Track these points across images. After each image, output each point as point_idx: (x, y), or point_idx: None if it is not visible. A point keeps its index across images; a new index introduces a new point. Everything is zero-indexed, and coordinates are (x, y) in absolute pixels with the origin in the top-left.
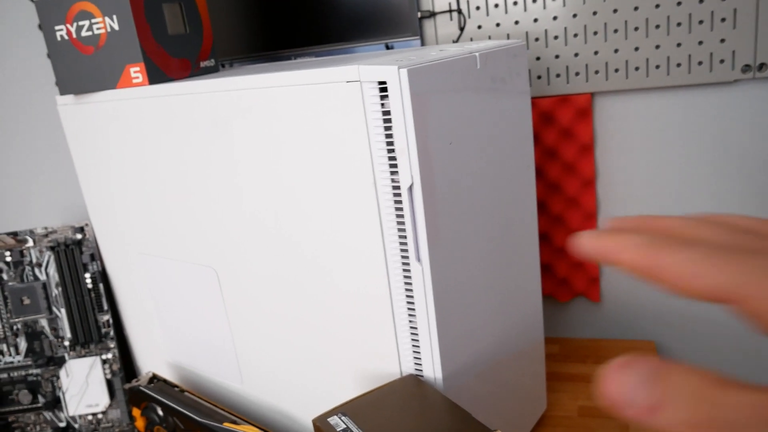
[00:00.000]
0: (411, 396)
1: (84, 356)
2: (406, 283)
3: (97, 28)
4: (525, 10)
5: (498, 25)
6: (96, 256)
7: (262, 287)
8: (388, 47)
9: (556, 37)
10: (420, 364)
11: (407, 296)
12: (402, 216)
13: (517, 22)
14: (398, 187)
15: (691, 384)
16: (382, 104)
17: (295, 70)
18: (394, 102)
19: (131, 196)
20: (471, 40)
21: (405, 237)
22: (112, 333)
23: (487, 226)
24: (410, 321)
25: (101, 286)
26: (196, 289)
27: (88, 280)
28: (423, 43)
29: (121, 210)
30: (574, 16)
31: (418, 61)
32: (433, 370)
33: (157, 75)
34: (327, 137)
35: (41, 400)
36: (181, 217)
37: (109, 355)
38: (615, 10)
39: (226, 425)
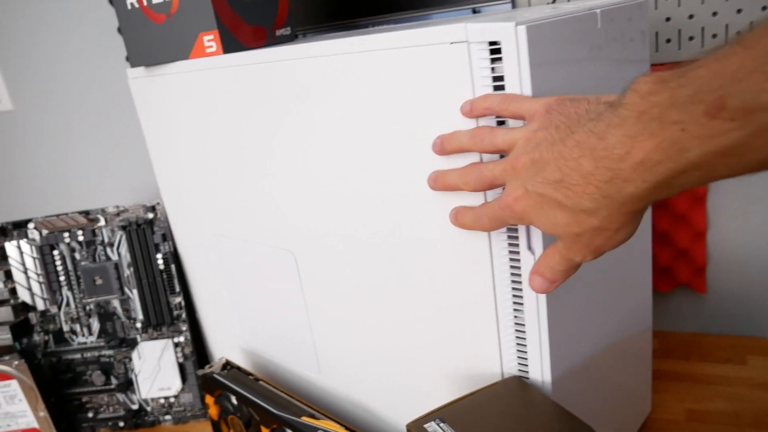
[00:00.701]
0: (516, 400)
1: (156, 338)
2: (513, 275)
3: None
4: None
5: None
6: (168, 236)
7: (344, 274)
8: (474, 11)
9: None
10: (525, 365)
11: (514, 288)
12: None
13: None
14: None
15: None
16: (493, 69)
17: (388, 32)
18: (509, 66)
19: (204, 174)
20: (568, 1)
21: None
22: (184, 316)
23: None
24: (515, 317)
25: (173, 267)
26: (272, 274)
27: (160, 261)
28: (514, 7)
29: (193, 189)
30: None
31: (534, 17)
32: (541, 371)
33: (231, 43)
34: (426, 109)
35: (114, 381)
36: (258, 196)
37: (181, 339)
38: None
39: (305, 419)
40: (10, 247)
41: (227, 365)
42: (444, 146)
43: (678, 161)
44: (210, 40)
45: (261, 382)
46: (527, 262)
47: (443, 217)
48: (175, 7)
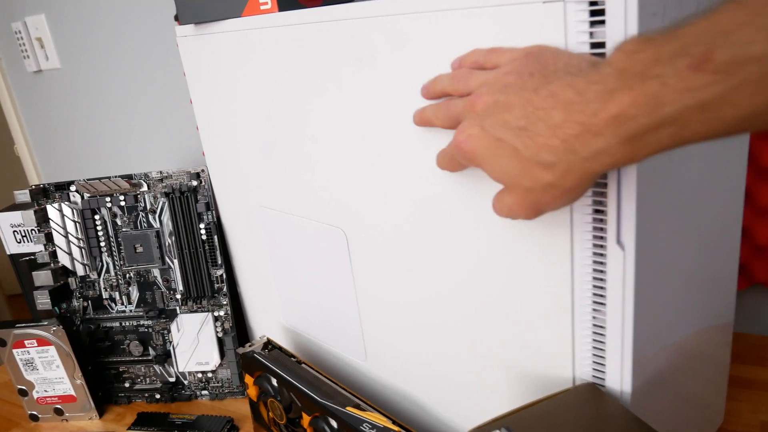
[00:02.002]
0: (590, 411)
1: (196, 311)
2: (597, 270)
3: None
4: None
5: None
6: (211, 205)
7: (399, 256)
8: None
9: None
10: (602, 371)
11: (595, 287)
12: (603, 185)
13: None
14: None
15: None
16: (592, 33)
17: None
18: (613, 30)
19: (254, 142)
20: None
21: (602, 212)
22: (225, 289)
23: (695, 204)
24: (594, 317)
25: (215, 238)
26: (320, 251)
27: (203, 231)
28: None
29: (241, 157)
30: None
31: None
32: (620, 379)
33: (287, 1)
34: None
35: (152, 352)
36: (310, 169)
37: (221, 313)
38: None
39: (350, 410)
40: (52, 209)
41: (268, 344)
42: (428, 89)
43: (652, 116)
44: None
45: (304, 365)
46: (615, 258)
47: None
48: None
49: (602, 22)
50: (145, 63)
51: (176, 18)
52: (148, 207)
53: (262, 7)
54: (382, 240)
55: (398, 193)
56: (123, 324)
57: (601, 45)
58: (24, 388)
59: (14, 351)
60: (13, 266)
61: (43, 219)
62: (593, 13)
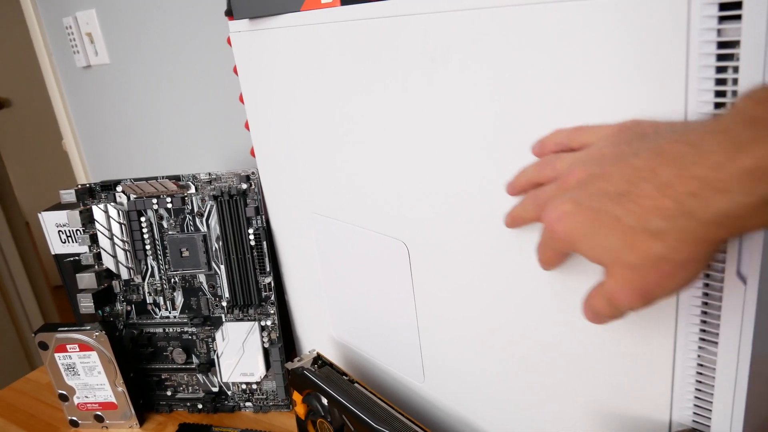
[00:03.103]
0: None
1: (242, 320)
2: (706, 305)
3: None
4: None
5: None
6: (261, 210)
7: (468, 275)
8: None
9: None
10: (707, 417)
11: (704, 321)
12: None
13: None
14: None
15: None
16: (719, 31)
17: None
18: (751, 28)
19: (311, 145)
20: None
21: None
22: (272, 298)
23: None
24: (699, 356)
25: (265, 244)
26: (378, 264)
27: (251, 237)
28: None
29: (296, 160)
30: None
31: None
32: (729, 427)
33: None
34: (614, 82)
35: (195, 361)
36: (372, 176)
37: (269, 322)
38: None
39: None
40: (97, 210)
41: (318, 360)
42: (513, 184)
43: None
44: None
45: (356, 385)
46: (734, 291)
47: None
48: None
49: (737, 17)
50: (193, 60)
51: (227, 13)
52: (196, 210)
53: (323, 1)
54: (447, 256)
55: (468, 206)
56: (166, 330)
57: (732, 44)
58: (65, 393)
59: (56, 355)
60: (57, 266)
61: (88, 220)
62: (723, 7)
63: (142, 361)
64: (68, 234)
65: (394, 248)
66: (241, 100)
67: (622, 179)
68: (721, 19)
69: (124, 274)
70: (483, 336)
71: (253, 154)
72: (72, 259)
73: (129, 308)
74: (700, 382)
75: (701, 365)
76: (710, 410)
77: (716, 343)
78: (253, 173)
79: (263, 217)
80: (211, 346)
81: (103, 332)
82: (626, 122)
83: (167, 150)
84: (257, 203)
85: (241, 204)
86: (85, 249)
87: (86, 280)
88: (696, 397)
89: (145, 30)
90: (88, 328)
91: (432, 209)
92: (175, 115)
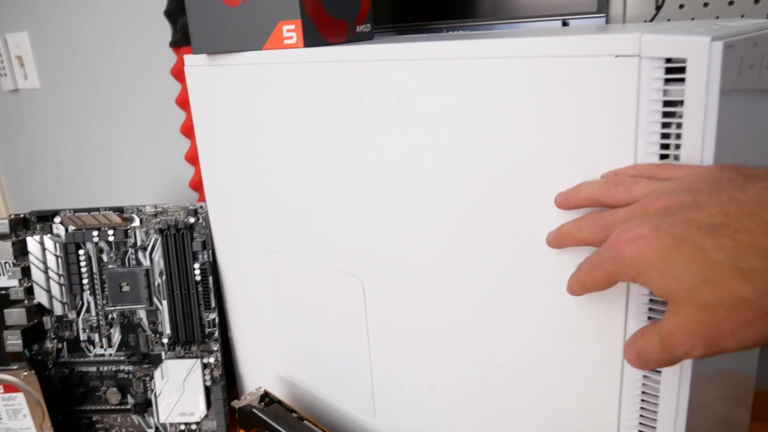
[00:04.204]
0: None
1: (183, 357)
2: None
3: None
4: None
5: (706, 5)
6: (208, 244)
7: (423, 311)
8: (564, 24)
9: None
10: None
11: None
12: None
13: (731, 3)
14: None
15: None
16: (665, 91)
17: (527, 37)
18: (693, 90)
19: (263, 181)
20: (668, 20)
21: None
22: (216, 334)
23: None
24: (644, 384)
25: (211, 279)
26: (332, 300)
27: (197, 272)
28: (607, 23)
29: (248, 196)
30: None
31: (722, 33)
32: None
33: (313, 36)
34: (567, 131)
35: (131, 401)
36: (327, 213)
37: (212, 359)
38: None
39: None
40: (32, 242)
41: (265, 397)
42: (568, 196)
43: None
44: (290, 30)
45: (306, 422)
46: None
47: (573, 263)
48: None
49: (680, 80)
50: (130, 88)
51: (172, 45)
52: (139, 243)
53: (286, 41)
54: (402, 292)
55: (426, 246)
56: (100, 369)
57: (676, 104)
58: None
59: None
60: None
61: (20, 252)
62: (669, 71)
63: (73, 402)
64: None
65: (348, 284)
66: (182, 131)
67: (719, 211)
68: (667, 81)
69: (58, 310)
70: (435, 369)
71: (191, 186)
72: (0, 293)
73: (60, 346)
74: (647, 408)
75: (648, 394)
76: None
77: (659, 371)
78: (201, 207)
79: (210, 251)
80: (148, 385)
81: (33, 371)
82: (726, 164)
83: (100, 180)
84: (204, 237)
85: (187, 238)
86: (14, 283)
87: (15, 316)
88: (640, 423)
89: (80, 56)
90: (15, 367)
91: (387, 246)
92: (110, 145)
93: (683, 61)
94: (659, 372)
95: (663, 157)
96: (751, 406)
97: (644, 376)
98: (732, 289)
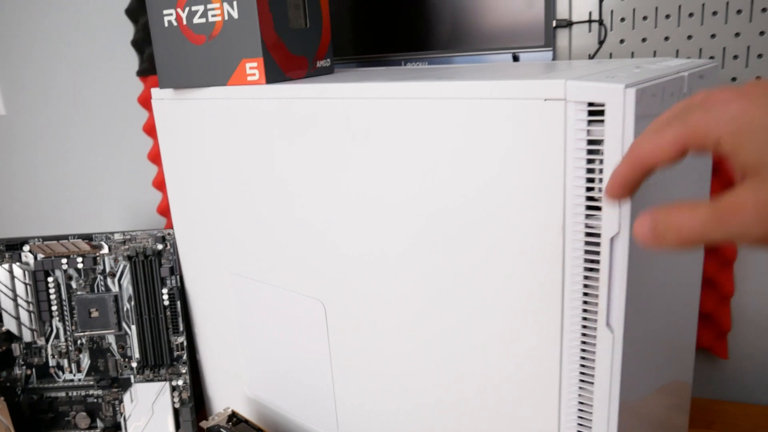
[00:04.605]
0: None
1: (152, 380)
2: (584, 351)
3: (213, 15)
4: (678, 25)
5: (644, 40)
6: (176, 269)
7: (382, 333)
8: (515, 57)
9: (711, 57)
10: None
11: (582, 367)
12: (594, 271)
13: (667, 38)
14: (596, 235)
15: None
16: (589, 131)
17: (473, 80)
18: (612, 130)
19: (229, 208)
20: (610, 55)
21: (594, 297)
22: (185, 357)
23: (671, 279)
24: (580, 395)
25: (179, 304)
26: (296, 322)
27: (165, 297)
28: (554, 56)
29: (214, 222)
30: (737, 35)
31: (637, 79)
32: None
33: (275, 73)
34: (503, 167)
35: (100, 425)
36: (290, 239)
37: (180, 382)
38: None
39: None
40: (1, 270)
41: (233, 417)
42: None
43: None
44: (253, 68)
45: None
46: (604, 339)
47: (511, 289)
48: (218, 29)
49: (600, 121)
50: (98, 115)
51: (139, 74)
52: (108, 270)
53: (249, 78)
54: (364, 316)
55: (382, 271)
56: (70, 394)
57: (598, 142)
58: None
59: None
60: None
61: None
62: (592, 113)
63: (42, 428)
64: None
65: (311, 307)
66: (149, 157)
67: None
68: (590, 122)
69: (27, 337)
70: (395, 390)
71: (159, 211)
72: None
73: (29, 372)
74: (583, 420)
75: (583, 406)
76: None
77: (593, 383)
78: (169, 234)
79: (178, 277)
80: (118, 408)
81: (2, 398)
82: None
83: (68, 206)
84: (172, 263)
85: (155, 264)
86: None
87: None
88: (578, 431)
89: (48, 82)
90: None
91: (347, 271)
92: (77, 170)
93: (602, 105)
94: (592, 383)
95: (589, 189)
96: (688, 411)
97: (580, 387)
98: None
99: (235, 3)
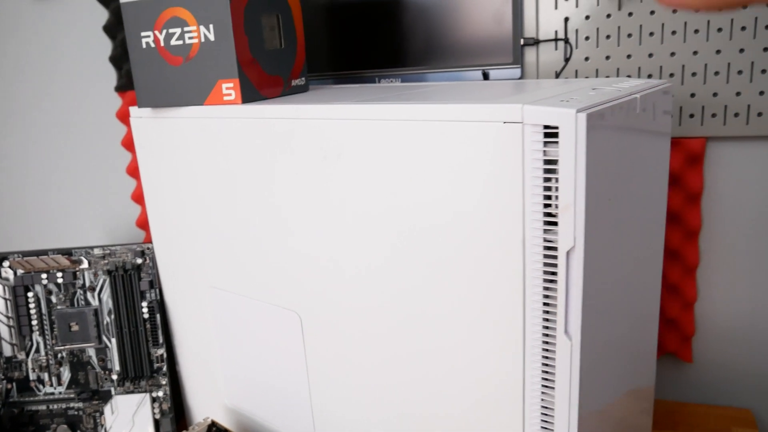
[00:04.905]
0: None
1: (132, 392)
2: (545, 357)
3: (190, 38)
4: (639, 43)
5: (608, 58)
6: (155, 283)
7: (356, 343)
8: (484, 74)
9: (671, 75)
10: None
11: (544, 373)
12: (552, 282)
13: (629, 56)
14: (554, 249)
15: None
16: (545, 152)
17: (437, 104)
18: (565, 150)
19: (205, 223)
20: (576, 72)
21: (553, 306)
22: (165, 369)
23: (629, 288)
24: (543, 399)
25: (158, 316)
26: (272, 333)
27: (145, 310)
28: (522, 73)
29: (191, 237)
30: (695, 53)
31: (590, 102)
32: None
33: (250, 93)
34: (466, 185)
35: None
36: (267, 252)
37: (160, 393)
38: (741, 50)
39: None
40: None
41: (213, 427)
42: None
43: None
44: (229, 88)
45: None
46: (563, 346)
47: (475, 300)
48: (195, 51)
49: (555, 142)
50: (77, 129)
51: (117, 89)
52: (88, 284)
53: (225, 98)
54: (338, 327)
55: (354, 283)
56: (50, 407)
57: (553, 162)
58: None
59: None
60: None
61: None
62: (547, 135)
63: None
64: None
65: (287, 319)
66: (128, 171)
67: None
68: (546, 143)
69: (7, 351)
70: (370, 402)
71: (138, 224)
72: None
73: (10, 386)
74: (545, 421)
75: (545, 411)
76: None
77: (553, 387)
78: (148, 248)
79: (157, 290)
80: (98, 420)
81: None
82: None
83: (49, 219)
84: (152, 277)
85: (135, 278)
86: None
87: None
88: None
89: (25, 96)
90: None
91: (321, 283)
92: (58, 184)
93: (556, 127)
94: (554, 388)
95: (546, 206)
96: (652, 412)
97: (543, 393)
98: None
99: (211, 26)
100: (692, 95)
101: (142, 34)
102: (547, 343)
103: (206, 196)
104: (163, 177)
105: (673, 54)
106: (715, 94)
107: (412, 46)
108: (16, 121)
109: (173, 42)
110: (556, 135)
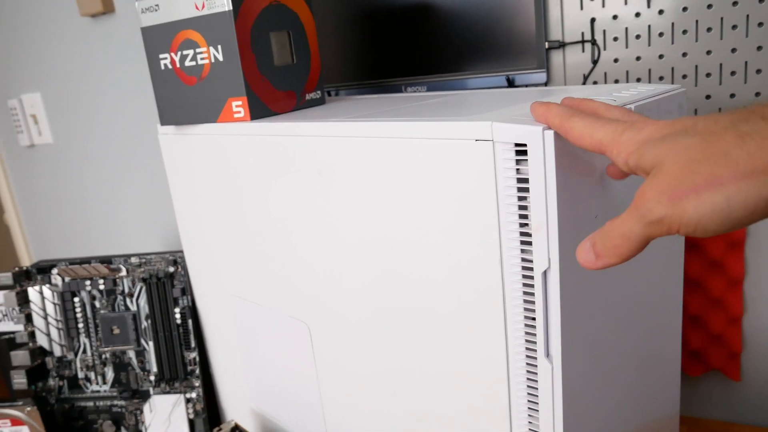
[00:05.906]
0: None
1: (168, 392)
2: (529, 380)
3: (201, 59)
4: (672, 42)
5: (638, 59)
6: (187, 290)
7: (358, 352)
8: (509, 80)
9: (708, 75)
10: None
11: (529, 394)
12: (531, 303)
13: (661, 56)
14: (530, 269)
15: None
16: (518, 169)
17: (411, 121)
18: (534, 168)
19: (226, 234)
20: (605, 74)
21: (533, 328)
22: (197, 372)
23: (629, 307)
24: (530, 422)
25: (190, 322)
26: (285, 342)
27: (178, 315)
28: (549, 77)
29: (215, 247)
30: (733, 50)
31: None
32: None
33: (259, 110)
34: (445, 202)
35: None
36: (276, 264)
37: (194, 395)
38: None
39: None
40: (33, 291)
41: (236, 429)
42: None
43: None
44: (238, 106)
45: None
46: (544, 369)
47: (459, 318)
48: (207, 71)
49: (525, 160)
50: (132, 144)
51: None
52: (126, 291)
53: (235, 115)
54: (344, 336)
55: (357, 295)
56: (97, 404)
57: (524, 180)
58: None
59: None
60: None
61: (24, 300)
62: (519, 152)
63: None
64: (4, 313)
65: (297, 329)
66: None
67: (702, 141)
68: (518, 161)
69: (57, 351)
70: (373, 408)
71: None
72: (7, 336)
73: (61, 383)
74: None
75: (531, 430)
76: None
77: (537, 410)
78: (180, 257)
79: (189, 297)
80: (139, 418)
81: (35, 407)
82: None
83: (104, 226)
84: (183, 285)
85: (168, 285)
86: (20, 327)
87: (20, 357)
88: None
89: (88, 114)
90: (20, 403)
91: (327, 294)
92: (113, 194)
93: (525, 145)
94: (537, 410)
95: (522, 225)
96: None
97: (529, 416)
98: (726, 147)
99: (219, 47)
100: (707, 97)
101: (161, 56)
102: (530, 365)
103: (222, 209)
104: (187, 190)
105: (709, 52)
106: (732, 95)
107: (436, 53)
108: (80, 137)
109: (187, 63)
110: (525, 153)
